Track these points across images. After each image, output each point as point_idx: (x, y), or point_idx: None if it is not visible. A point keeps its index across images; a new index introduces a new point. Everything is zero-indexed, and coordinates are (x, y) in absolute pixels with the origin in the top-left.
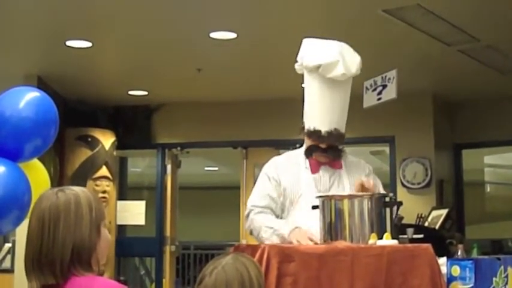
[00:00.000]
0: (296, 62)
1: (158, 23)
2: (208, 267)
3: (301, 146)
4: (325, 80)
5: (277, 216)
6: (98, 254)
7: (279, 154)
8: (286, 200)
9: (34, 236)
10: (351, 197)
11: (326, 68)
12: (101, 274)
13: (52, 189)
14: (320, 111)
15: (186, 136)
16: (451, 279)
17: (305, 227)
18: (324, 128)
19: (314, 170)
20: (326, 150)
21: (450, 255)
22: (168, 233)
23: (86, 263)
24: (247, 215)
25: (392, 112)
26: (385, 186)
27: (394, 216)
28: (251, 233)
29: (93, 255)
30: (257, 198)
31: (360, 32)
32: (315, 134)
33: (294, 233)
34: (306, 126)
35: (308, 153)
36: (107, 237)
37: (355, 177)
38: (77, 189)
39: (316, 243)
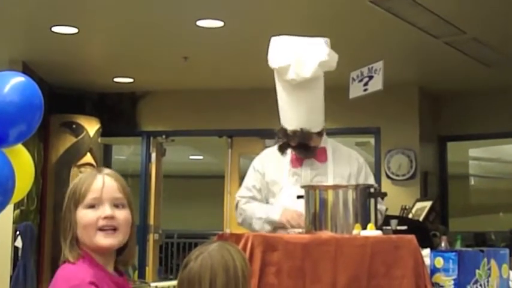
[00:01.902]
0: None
1: (145, 11)
2: (194, 253)
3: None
4: (286, 80)
5: None
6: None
7: (264, 144)
8: (269, 193)
9: None
10: (335, 187)
11: (279, 71)
12: None
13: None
14: (285, 111)
15: (171, 124)
16: (434, 270)
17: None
18: (289, 127)
19: (296, 164)
20: (296, 148)
21: (433, 247)
22: (151, 221)
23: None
24: (236, 207)
25: (378, 103)
26: None
27: (377, 207)
28: (242, 223)
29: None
30: (244, 189)
31: (347, 22)
32: (282, 132)
33: (284, 215)
34: (281, 123)
35: (281, 150)
36: (85, 221)
37: (342, 170)
38: (93, 170)
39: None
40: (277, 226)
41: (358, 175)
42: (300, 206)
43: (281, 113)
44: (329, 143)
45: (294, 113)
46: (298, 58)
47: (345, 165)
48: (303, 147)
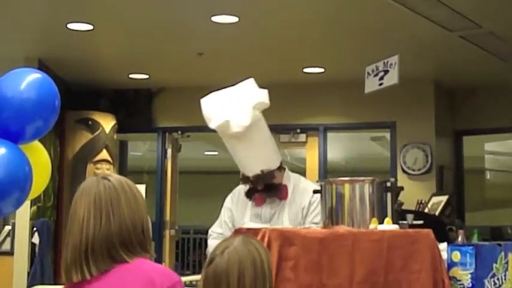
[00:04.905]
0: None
1: (160, 7)
2: (218, 248)
3: (301, 131)
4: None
5: None
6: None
7: (279, 139)
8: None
9: (88, 223)
10: (352, 181)
11: (220, 129)
12: None
13: (93, 177)
14: (240, 162)
15: (186, 120)
16: (451, 264)
17: None
18: (250, 173)
19: (258, 203)
20: (264, 190)
21: (450, 242)
22: (167, 217)
23: (148, 244)
24: (208, 239)
25: (393, 98)
26: (385, 172)
27: (394, 201)
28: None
29: (150, 235)
30: (216, 225)
31: (362, 17)
32: (245, 179)
33: None
34: (241, 172)
35: (249, 196)
36: (149, 220)
37: (296, 208)
38: (117, 176)
39: None
40: None
41: (309, 209)
42: None
43: (237, 163)
44: (291, 179)
45: (249, 161)
46: (233, 110)
47: (298, 203)
48: (269, 187)
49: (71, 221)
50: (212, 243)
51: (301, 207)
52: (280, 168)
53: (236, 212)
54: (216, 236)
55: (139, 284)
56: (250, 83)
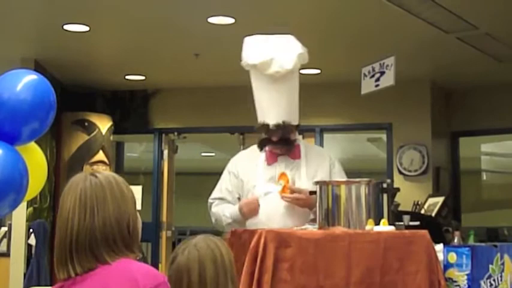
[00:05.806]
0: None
1: (156, 8)
2: (180, 247)
3: (298, 132)
4: (266, 75)
5: None
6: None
7: None
8: (243, 192)
9: (73, 218)
10: (348, 182)
11: (261, 66)
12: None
13: (82, 173)
14: (266, 105)
15: (183, 121)
16: (447, 266)
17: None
18: (271, 121)
19: (270, 161)
20: (278, 143)
21: (446, 243)
22: (164, 218)
23: (134, 243)
24: (210, 209)
25: (389, 99)
26: (381, 173)
27: (390, 202)
28: (216, 224)
29: (137, 235)
30: (216, 192)
31: (358, 18)
32: (263, 128)
33: (242, 205)
34: (258, 121)
35: (260, 147)
36: (139, 219)
37: (314, 167)
38: (106, 172)
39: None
40: (239, 219)
41: (331, 171)
42: (268, 202)
43: (260, 110)
44: (301, 142)
45: (275, 107)
46: (279, 52)
47: (317, 162)
48: (285, 141)
49: (59, 217)
50: (216, 209)
51: (322, 169)
52: (297, 128)
53: (244, 174)
54: (218, 202)
55: (122, 284)
56: (293, 38)
